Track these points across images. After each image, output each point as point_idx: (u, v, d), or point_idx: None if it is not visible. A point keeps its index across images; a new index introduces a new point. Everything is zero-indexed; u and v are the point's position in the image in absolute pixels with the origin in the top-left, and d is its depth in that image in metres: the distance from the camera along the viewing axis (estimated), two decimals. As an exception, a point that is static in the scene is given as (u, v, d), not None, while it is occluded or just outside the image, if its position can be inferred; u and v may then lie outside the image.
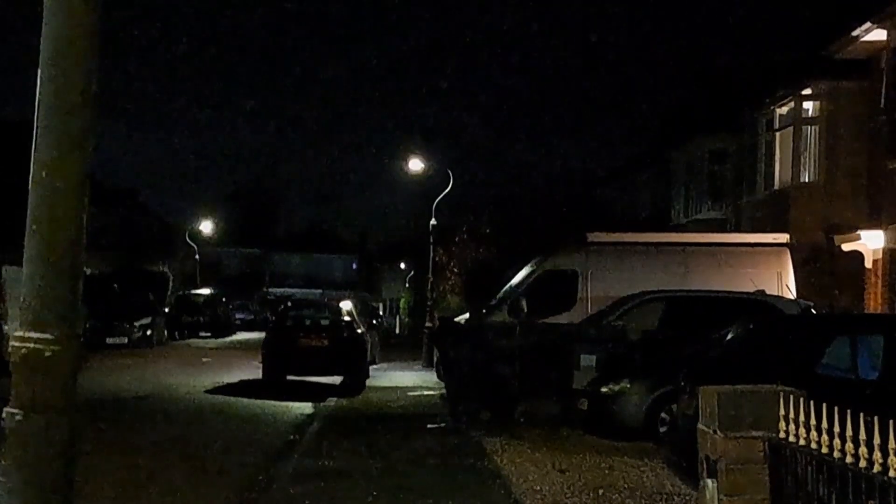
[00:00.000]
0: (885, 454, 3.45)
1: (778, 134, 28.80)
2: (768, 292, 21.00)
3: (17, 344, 3.55)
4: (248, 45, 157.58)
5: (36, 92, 3.57)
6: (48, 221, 3.55)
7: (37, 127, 3.55)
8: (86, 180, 3.60)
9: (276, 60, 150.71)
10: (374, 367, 32.06)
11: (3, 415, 3.50)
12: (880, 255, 24.40)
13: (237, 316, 66.75)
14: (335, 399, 24.10)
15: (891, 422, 3.47)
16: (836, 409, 3.87)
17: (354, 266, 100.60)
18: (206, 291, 64.71)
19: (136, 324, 44.35)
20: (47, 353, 3.50)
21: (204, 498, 12.52)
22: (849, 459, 3.74)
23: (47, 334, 3.51)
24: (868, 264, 25.01)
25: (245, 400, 24.30)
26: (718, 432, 4.49)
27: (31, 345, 3.51)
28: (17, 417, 3.49)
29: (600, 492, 12.61)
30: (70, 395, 3.54)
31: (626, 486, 12.98)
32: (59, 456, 3.51)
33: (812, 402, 4.10)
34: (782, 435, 4.31)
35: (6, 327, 28.08)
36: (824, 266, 25.43)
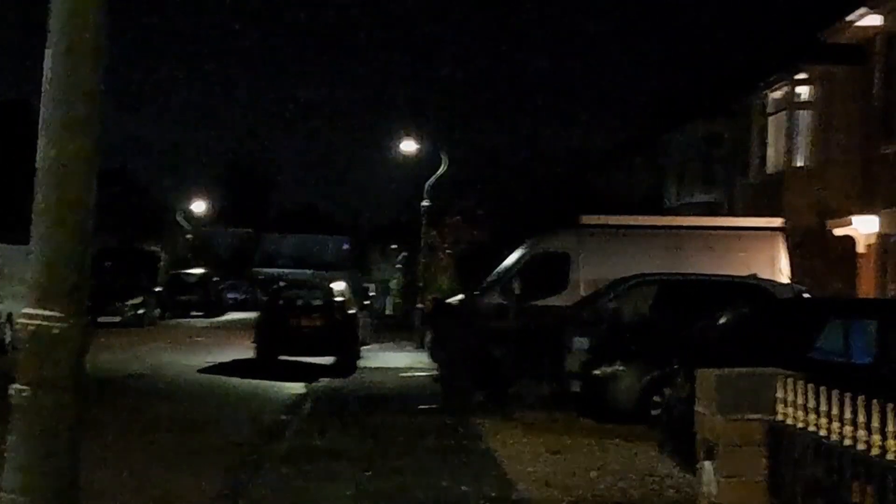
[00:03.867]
0: (883, 437, 3.49)
1: (771, 118, 28.80)
2: (762, 276, 21.05)
3: (24, 321, 3.58)
4: (244, 27, 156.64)
5: (43, 72, 3.58)
6: (56, 202, 3.57)
7: (44, 108, 3.57)
8: (94, 161, 3.63)
9: (270, 42, 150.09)
10: (366, 347, 32.06)
11: (10, 391, 3.52)
12: (873, 241, 24.43)
13: (229, 296, 66.75)
14: (327, 379, 24.12)
15: (889, 405, 3.51)
16: (834, 392, 3.91)
17: (346, 247, 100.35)
18: (197, 271, 64.52)
19: (128, 303, 44.37)
20: (55, 331, 3.52)
21: (196, 476, 12.52)
22: (847, 442, 3.78)
23: (55, 311, 3.53)
24: (860, 249, 25.06)
25: (237, 379, 24.33)
26: (716, 415, 4.52)
27: (39, 322, 3.54)
28: (25, 393, 3.51)
29: (592, 474, 12.65)
30: (77, 372, 3.57)
31: (618, 467, 13.02)
32: (66, 431, 3.55)
33: (810, 386, 4.14)
34: (780, 417, 4.36)
35: (1, 306, 28.12)
36: (817, 251, 25.47)
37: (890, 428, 3.47)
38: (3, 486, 3.50)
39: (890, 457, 3.46)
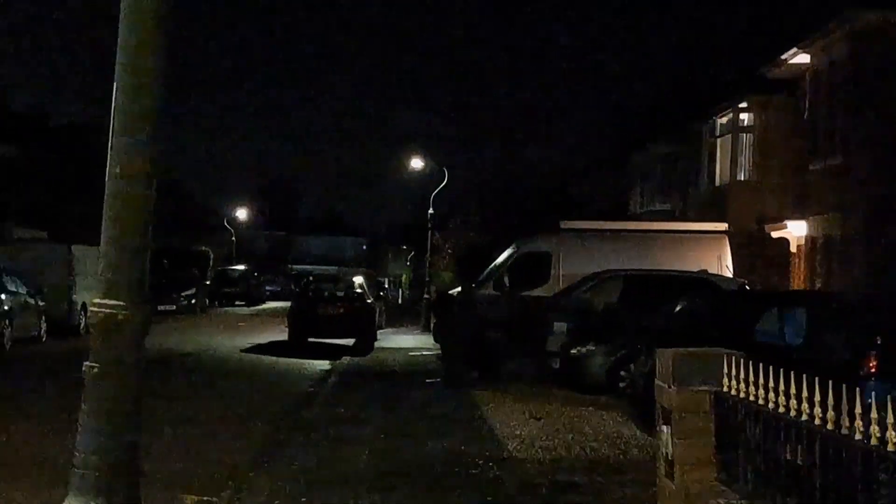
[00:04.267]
0: (811, 405, 3.50)
1: (719, 140, 28.85)
2: (711, 272, 21.08)
3: (94, 309, 3.59)
4: (278, 58, 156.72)
5: (112, 100, 3.59)
6: (121, 209, 3.58)
7: (112, 130, 3.58)
8: (152, 176, 3.64)
9: (301, 72, 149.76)
10: (381, 331, 32.06)
11: (84, 367, 3.53)
12: (803, 242, 24.51)
13: (267, 288, 66.71)
14: (348, 358, 24.11)
15: (816, 379, 3.51)
16: (770, 368, 3.92)
17: (364, 247, 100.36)
18: (240, 267, 64.76)
19: (183, 294, 44.43)
20: (120, 317, 3.54)
21: (238, 439, 12.54)
22: (780, 410, 3.79)
23: (120, 301, 3.54)
24: (793, 249, 25.12)
25: (273, 358, 24.34)
26: (673, 387, 4.52)
27: (107, 310, 3.55)
28: (95, 369, 3.53)
29: (570, 436, 12.65)
30: (139, 352, 3.58)
31: (590, 431, 13.04)
32: (129, 401, 3.56)
33: (751, 363, 4.14)
34: (725, 389, 4.36)
35: (76, 297, 28.19)
36: (756, 250, 25.51)
37: (816, 398, 3.47)
38: (77, 447, 3.51)
39: (816, 422, 3.47)
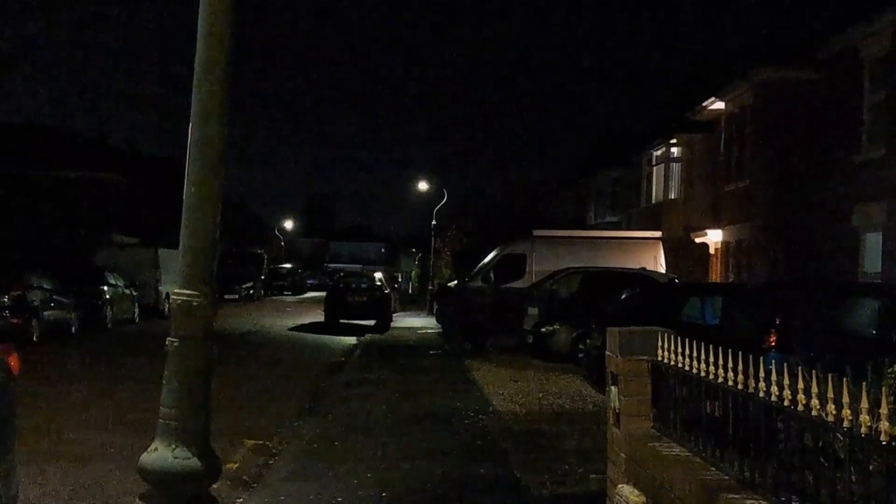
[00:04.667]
0: (725, 370, 3.50)
1: (655, 167, 28.83)
2: (648, 269, 21.11)
3: (175, 297, 3.59)
4: (320, 104, 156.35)
5: (188, 139, 3.59)
6: (195, 221, 3.57)
7: (188, 160, 3.57)
8: (219, 196, 3.63)
9: (339, 114, 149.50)
10: (396, 314, 32.10)
11: (167, 342, 3.53)
12: (719, 245, 24.52)
13: (308, 281, 66.68)
14: (370, 334, 24.16)
15: (729, 350, 3.51)
16: (693, 342, 3.91)
17: (382, 250, 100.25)
18: (287, 266, 65.01)
19: (243, 286, 44.43)
20: (194, 303, 3.52)
21: (287, 396, 12.57)
22: (701, 374, 3.78)
23: (194, 291, 3.53)
24: (711, 251, 25.11)
25: (313, 335, 24.36)
26: (619, 357, 4.51)
27: (184, 298, 3.53)
28: (175, 343, 3.51)
29: (540, 394, 12.68)
30: (208, 330, 3.57)
31: (556, 390, 13.09)
32: (201, 368, 3.55)
33: (678, 338, 4.13)
34: (659, 358, 4.34)
35: (161, 288, 28.26)
36: (683, 252, 25.49)
37: (730, 365, 3.47)
38: (162, 402, 3.51)
39: (729, 383, 3.46)
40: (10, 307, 18.28)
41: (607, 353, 4.66)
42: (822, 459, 2.84)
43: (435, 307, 30.05)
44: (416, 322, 30.87)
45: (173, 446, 3.40)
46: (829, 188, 18.73)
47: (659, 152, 28.39)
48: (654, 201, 28.76)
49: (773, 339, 8.93)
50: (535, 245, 23.60)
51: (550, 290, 19.41)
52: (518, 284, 21.88)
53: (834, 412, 2.72)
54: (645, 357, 4.34)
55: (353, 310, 27.16)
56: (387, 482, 7.43)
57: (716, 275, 24.48)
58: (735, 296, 12.49)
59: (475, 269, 24.56)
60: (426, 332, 25.58)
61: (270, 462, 8.33)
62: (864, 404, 2.60)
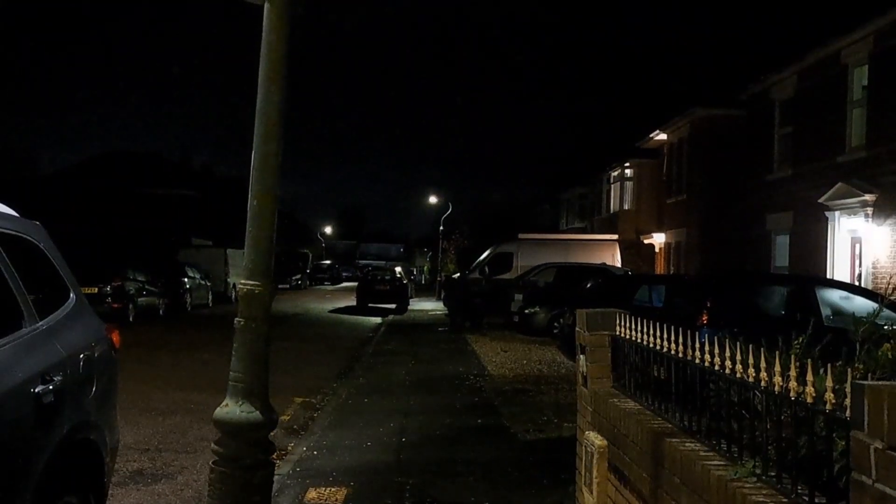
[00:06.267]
0: (668, 342, 3.48)
1: (612, 185, 28.77)
2: (608, 264, 21.04)
3: (241, 286, 3.58)
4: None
5: (251, 160, 3.59)
6: (257, 227, 3.56)
7: (253, 176, 3.57)
8: (275, 205, 3.62)
9: (372, 139, 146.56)
10: (412, 300, 32.10)
11: (235, 321, 3.53)
12: (663, 245, 24.47)
13: (343, 274, 66.55)
14: (392, 316, 24.11)
15: (672, 326, 3.50)
16: (644, 320, 3.90)
17: (401, 249, 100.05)
18: (327, 262, 64.83)
19: (293, 278, 44.45)
20: (256, 291, 3.51)
21: (327, 363, 12.56)
22: (651, 345, 3.77)
23: (256, 282, 3.53)
24: (657, 250, 25.05)
25: (347, 316, 24.35)
26: (586, 332, 4.49)
27: (248, 287, 3.52)
28: (241, 322, 3.51)
29: (524, 361, 12.67)
30: (267, 312, 3.56)
31: (538, 359, 13.07)
32: (262, 341, 3.54)
33: (632, 317, 4.12)
34: (617, 333, 4.33)
35: (230, 280, 28.26)
36: (635, 251, 25.44)
37: (672, 338, 3.46)
38: (231, 368, 3.50)
39: (672, 352, 3.45)
40: (112, 295, 18.41)
41: (577, 329, 4.65)
42: (743, 412, 2.83)
43: (442, 294, 30.02)
44: (427, 306, 30.89)
45: (240, 402, 3.40)
46: (748, 201, 18.69)
47: (616, 173, 28.33)
48: (612, 211, 28.70)
49: (705, 317, 8.90)
50: (520, 246, 23.59)
51: (532, 280, 19.38)
52: (506, 276, 21.86)
53: (753, 375, 2.71)
54: (606, 332, 4.33)
55: (379, 296, 27.12)
56: (405, 429, 7.43)
57: (660, 268, 24.44)
58: (675, 284, 12.45)
59: (473, 265, 24.56)
60: (435, 314, 25.60)
61: (315, 415, 8.34)
62: (777, 368, 2.60)
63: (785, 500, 2.43)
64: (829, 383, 2.27)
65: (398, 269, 30.85)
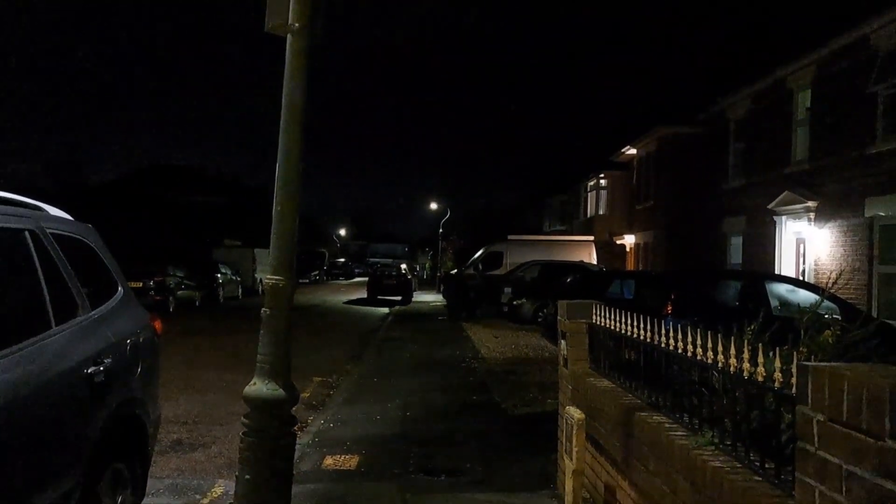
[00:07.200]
0: (637, 329, 3.48)
1: (589, 193, 28.74)
2: (585, 261, 21.02)
3: (267, 281, 3.56)
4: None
5: (275, 171, 3.58)
6: (280, 230, 3.55)
7: (277, 185, 3.56)
8: (296, 211, 3.61)
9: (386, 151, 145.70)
10: (415, 293, 32.06)
11: (262, 311, 3.52)
12: (633, 246, 24.45)
13: (356, 270, 66.43)
14: (398, 307, 24.09)
15: (640, 316, 3.49)
16: (616, 310, 3.90)
17: (406, 249, 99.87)
18: (342, 260, 64.76)
19: (312, 273, 44.35)
20: (280, 285, 3.50)
21: (342, 347, 12.51)
22: (622, 331, 3.77)
23: (280, 277, 3.52)
24: (628, 250, 25.04)
25: (359, 307, 24.29)
26: (566, 320, 4.49)
27: (273, 281, 3.51)
28: (267, 312, 3.50)
29: (513, 346, 12.65)
30: (289, 303, 3.55)
31: (525, 344, 13.05)
32: (284, 328, 3.53)
33: (605, 307, 4.11)
34: (593, 321, 4.32)
35: (257, 275, 28.21)
36: (609, 250, 25.42)
37: (641, 326, 3.46)
38: (259, 351, 3.49)
39: (641, 337, 3.45)
40: (154, 288, 18.40)
41: (559, 317, 4.65)
42: (703, 389, 2.83)
43: (441, 288, 29.99)
44: (428, 298, 30.85)
45: (266, 381, 3.39)
46: (707, 207, 18.71)
47: (592, 183, 28.31)
48: (589, 216, 28.68)
49: (669, 308, 8.90)
50: (509, 245, 23.57)
51: (519, 276, 19.38)
52: (497, 272, 21.85)
53: (712, 357, 2.71)
54: (584, 320, 4.34)
55: (387, 290, 27.08)
56: (409, 405, 7.43)
57: (630, 265, 24.43)
58: (644, 279, 12.45)
59: (469, 262, 24.56)
60: (436, 305, 25.57)
61: (331, 392, 8.33)
62: (732, 351, 2.60)
63: (739, 465, 2.44)
64: (777, 364, 2.28)
65: (403, 266, 30.80)
